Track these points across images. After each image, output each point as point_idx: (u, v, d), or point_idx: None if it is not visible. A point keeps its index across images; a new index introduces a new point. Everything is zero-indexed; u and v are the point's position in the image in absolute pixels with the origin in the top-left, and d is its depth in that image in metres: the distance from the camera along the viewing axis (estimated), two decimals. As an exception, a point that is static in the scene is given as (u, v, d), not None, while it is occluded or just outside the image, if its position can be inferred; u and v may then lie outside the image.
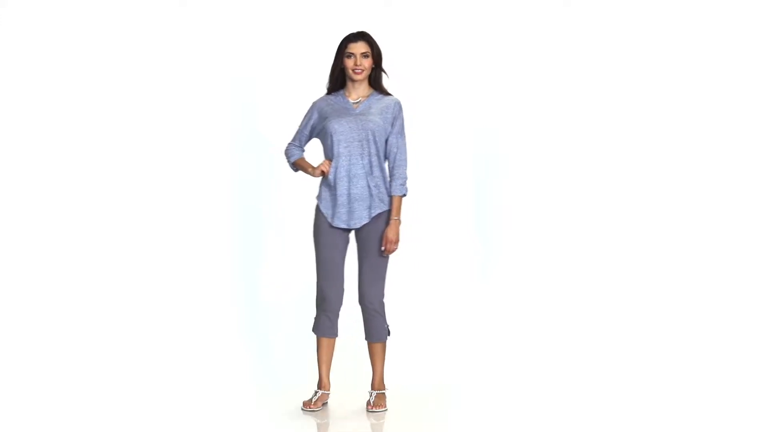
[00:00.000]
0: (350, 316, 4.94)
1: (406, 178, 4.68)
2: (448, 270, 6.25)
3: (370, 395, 4.73)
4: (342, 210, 4.63)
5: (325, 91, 4.74)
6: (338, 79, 4.69)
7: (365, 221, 4.64)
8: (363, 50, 4.61)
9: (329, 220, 4.65)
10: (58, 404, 4.75)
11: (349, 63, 4.62)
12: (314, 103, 4.74)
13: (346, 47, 4.62)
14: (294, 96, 6.14)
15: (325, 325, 4.72)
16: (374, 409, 4.66)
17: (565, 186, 6.19)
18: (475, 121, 6.26)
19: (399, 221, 4.66)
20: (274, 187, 6.15)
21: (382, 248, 4.65)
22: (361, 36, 4.63)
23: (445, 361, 5.51)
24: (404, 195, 4.69)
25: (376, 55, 4.65)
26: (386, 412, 4.65)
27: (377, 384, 4.74)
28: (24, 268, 5.84)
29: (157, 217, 6.02)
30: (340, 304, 4.73)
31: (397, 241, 4.65)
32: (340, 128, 4.62)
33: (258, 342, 5.78)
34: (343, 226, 4.65)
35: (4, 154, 5.89)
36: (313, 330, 4.76)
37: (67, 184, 5.93)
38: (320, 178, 4.71)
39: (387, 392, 4.76)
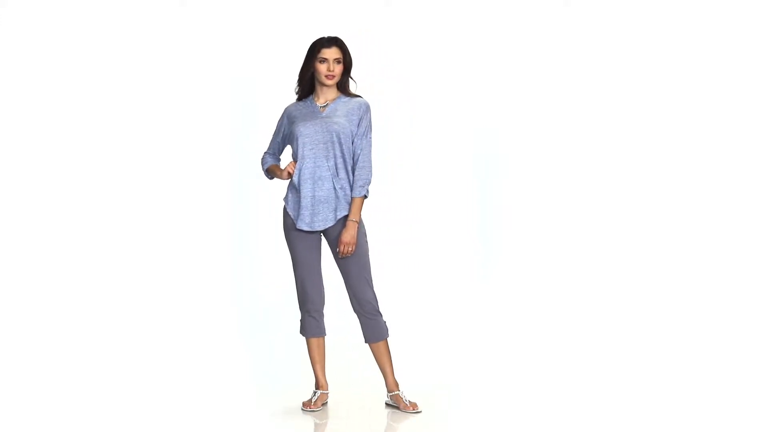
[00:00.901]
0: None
1: (367, 180, 4.62)
2: (448, 270, 6.24)
3: (394, 397, 4.69)
4: (305, 212, 4.61)
5: (296, 96, 4.74)
6: (308, 84, 4.68)
7: (330, 223, 4.62)
8: (336, 56, 4.59)
9: (294, 222, 4.64)
10: (58, 404, 4.75)
11: (322, 68, 4.60)
12: (285, 110, 4.76)
13: (319, 52, 4.60)
14: (294, 96, 6.16)
15: (311, 326, 4.71)
16: (415, 410, 4.62)
17: (565, 186, 6.19)
18: (475, 121, 6.26)
19: (356, 223, 4.58)
20: (274, 188, 6.15)
21: (338, 250, 4.61)
22: (335, 41, 4.61)
23: (445, 361, 5.50)
24: (365, 197, 4.63)
25: (347, 62, 4.63)
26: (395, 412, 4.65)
27: (393, 383, 4.72)
28: (24, 268, 5.84)
29: (157, 217, 6.02)
30: (323, 303, 4.73)
31: (352, 243, 4.57)
32: (305, 131, 4.61)
33: (258, 342, 5.78)
34: (306, 228, 4.62)
35: (4, 154, 5.89)
36: (300, 332, 4.75)
37: (67, 184, 5.94)
38: (288, 180, 4.70)
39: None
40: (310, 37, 6.15)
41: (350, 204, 4.61)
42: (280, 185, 6.11)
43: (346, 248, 4.57)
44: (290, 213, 4.65)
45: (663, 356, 5.43)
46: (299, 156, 4.62)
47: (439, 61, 6.30)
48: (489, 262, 6.24)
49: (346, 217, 4.61)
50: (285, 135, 4.75)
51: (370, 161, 4.65)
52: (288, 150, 4.86)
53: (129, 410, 4.65)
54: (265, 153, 4.83)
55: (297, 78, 4.70)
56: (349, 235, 4.58)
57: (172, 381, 5.13)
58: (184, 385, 5.07)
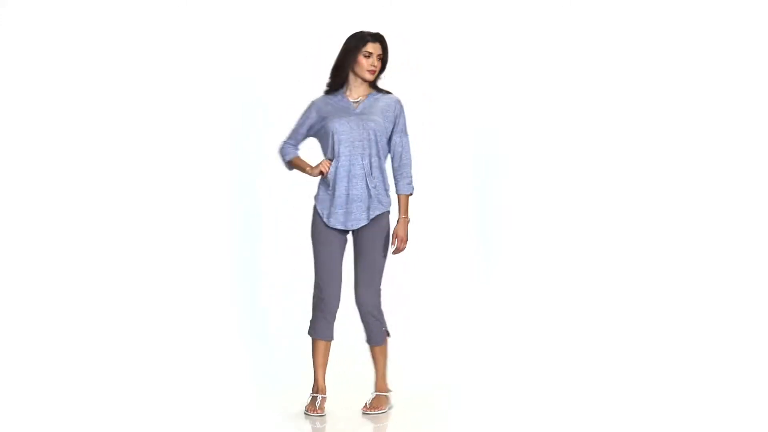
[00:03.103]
0: (348, 317, 4.93)
1: (412, 177, 4.69)
2: (448, 270, 6.24)
3: (372, 396, 4.71)
4: (339, 211, 4.60)
5: (325, 89, 4.71)
6: (342, 77, 4.65)
7: (363, 222, 4.62)
8: (379, 52, 4.62)
9: (325, 220, 4.62)
10: (58, 404, 4.75)
11: (366, 63, 4.59)
12: (313, 102, 4.71)
13: (365, 46, 4.58)
14: (294, 96, 6.14)
15: (322, 328, 4.67)
16: (369, 411, 4.64)
17: (565, 186, 6.18)
18: (475, 121, 6.26)
19: (408, 220, 4.67)
20: (274, 188, 6.15)
21: (393, 247, 4.66)
22: (380, 37, 4.63)
23: (446, 361, 5.50)
24: (411, 194, 4.70)
25: (385, 60, 4.65)
26: (383, 414, 4.63)
27: (378, 386, 4.72)
28: (24, 268, 5.83)
29: (157, 217, 6.01)
30: (338, 306, 4.69)
31: (407, 240, 4.66)
32: (341, 128, 4.59)
33: (257, 343, 5.77)
34: (340, 227, 4.61)
35: (4, 154, 5.89)
36: (309, 332, 4.71)
37: (67, 184, 5.93)
38: (318, 177, 4.69)
39: (391, 394, 4.73)
40: (311, 37, 6.17)
41: (399, 202, 4.67)
42: (280, 187, 6.11)
43: (401, 244, 4.65)
44: (321, 212, 4.63)
45: (664, 356, 5.43)
46: (336, 153, 4.60)
47: (438, 61, 6.29)
48: (489, 262, 6.24)
49: (378, 217, 4.63)
50: (312, 128, 4.70)
51: (411, 158, 4.70)
52: (308, 142, 4.82)
53: (129, 410, 4.65)
54: (285, 142, 4.76)
55: (331, 71, 4.68)
56: (405, 231, 4.65)
57: (172, 381, 5.13)
58: (184, 386, 5.07)
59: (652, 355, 5.44)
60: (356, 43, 4.60)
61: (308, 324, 4.72)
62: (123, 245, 5.97)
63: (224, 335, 5.79)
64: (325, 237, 4.64)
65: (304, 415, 4.60)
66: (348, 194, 4.60)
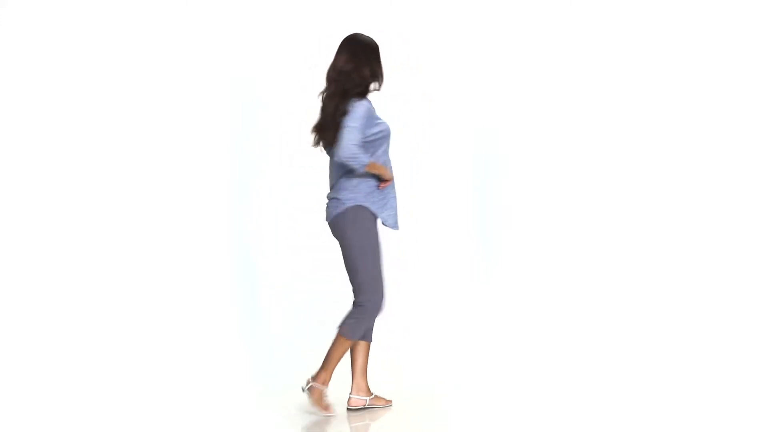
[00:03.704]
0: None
1: None
2: (448, 270, 6.24)
3: (375, 399, 4.71)
4: (394, 212, 4.61)
5: (362, 94, 4.50)
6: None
7: None
8: None
9: (393, 226, 4.60)
10: (58, 404, 4.75)
11: None
12: (369, 105, 4.49)
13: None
14: (294, 96, 6.17)
15: (370, 329, 4.65)
16: (386, 404, 4.68)
17: (565, 186, 6.19)
18: (475, 121, 6.26)
19: None
20: (274, 188, 6.16)
21: None
22: None
23: (446, 361, 5.50)
24: None
25: None
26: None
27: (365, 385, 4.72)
28: (24, 268, 5.84)
29: (157, 217, 6.02)
30: None
31: None
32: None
33: (257, 343, 5.78)
34: (397, 228, 4.63)
35: (4, 154, 5.89)
36: (365, 338, 4.62)
37: (67, 184, 5.93)
38: (362, 178, 4.54)
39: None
40: (311, 37, 6.17)
41: None
42: (280, 187, 6.12)
43: None
44: (382, 213, 4.56)
45: (663, 356, 5.43)
46: (389, 158, 4.59)
47: (438, 61, 6.30)
48: (489, 262, 6.24)
49: None
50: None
51: None
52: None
53: (129, 410, 4.66)
54: (358, 146, 4.41)
55: (378, 75, 4.51)
56: None
57: (172, 381, 5.14)
58: (183, 385, 5.07)
59: (651, 355, 5.44)
60: (377, 49, 4.56)
61: (353, 328, 4.52)
62: (123, 245, 5.97)
63: (224, 335, 5.80)
64: (379, 241, 4.60)
65: (306, 413, 4.59)
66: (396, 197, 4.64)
